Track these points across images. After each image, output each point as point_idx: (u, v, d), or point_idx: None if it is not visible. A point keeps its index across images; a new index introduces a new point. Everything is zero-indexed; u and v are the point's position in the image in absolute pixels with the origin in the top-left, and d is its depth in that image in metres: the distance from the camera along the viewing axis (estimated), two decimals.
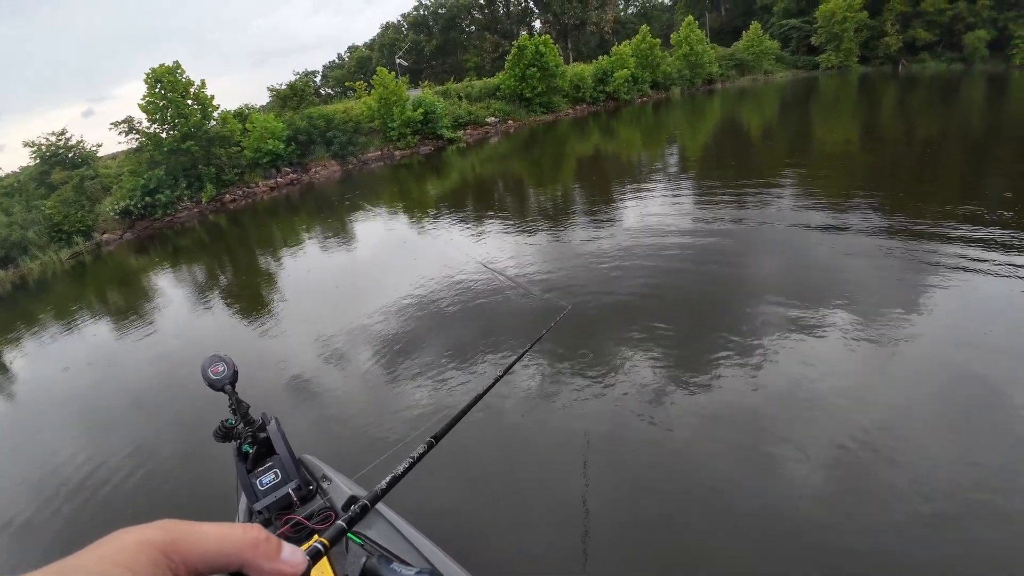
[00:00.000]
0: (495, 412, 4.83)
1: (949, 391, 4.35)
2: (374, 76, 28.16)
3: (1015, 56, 38.58)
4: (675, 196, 11.74)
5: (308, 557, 0.47)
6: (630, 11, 63.09)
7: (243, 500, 2.21)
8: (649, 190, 12.63)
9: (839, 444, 3.86)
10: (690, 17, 41.64)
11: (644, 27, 38.40)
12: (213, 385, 2.32)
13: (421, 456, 1.51)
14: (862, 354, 4.90)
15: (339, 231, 14.48)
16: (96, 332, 9.82)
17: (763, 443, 3.98)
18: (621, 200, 12.30)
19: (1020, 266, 6.05)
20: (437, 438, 1.57)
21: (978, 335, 4.96)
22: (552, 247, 9.42)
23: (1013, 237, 6.90)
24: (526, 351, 2.68)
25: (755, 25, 44.29)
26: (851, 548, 3.10)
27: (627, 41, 37.98)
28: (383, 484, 1.44)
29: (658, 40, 38.20)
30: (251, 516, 2.16)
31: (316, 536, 0.88)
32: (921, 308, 5.53)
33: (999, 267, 6.12)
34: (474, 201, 15.32)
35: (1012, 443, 3.69)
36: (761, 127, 22.53)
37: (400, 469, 1.41)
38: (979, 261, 6.35)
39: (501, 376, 2.13)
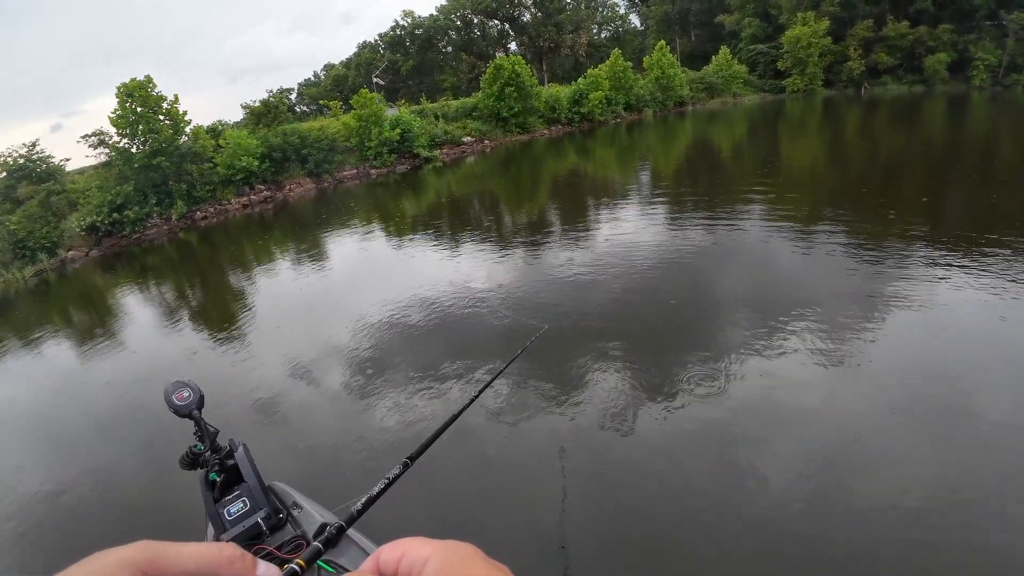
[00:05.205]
0: (471, 432, 4.80)
1: (912, 402, 4.47)
2: (354, 96, 28.16)
3: (975, 77, 40.36)
4: (648, 214, 11.93)
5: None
6: (603, 35, 64.44)
7: (211, 531, 2.15)
8: (623, 209, 12.82)
9: (811, 455, 3.93)
10: (662, 42, 42.71)
11: (616, 51, 39.27)
12: (179, 412, 2.25)
13: (397, 477, 1.49)
14: (830, 368, 5.01)
15: (312, 250, 14.32)
16: (58, 355, 9.49)
17: (738, 457, 4.04)
18: (596, 219, 12.45)
19: (974, 278, 6.29)
20: (413, 458, 1.56)
21: (938, 348, 5.13)
22: (527, 266, 9.47)
23: (970, 252, 7.18)
24: (501, 371, 2.68)
25: (724, 50, 45.64)
26: (826, 557, 3.14)
27: (601, 64, 38.79)
28: (358, 505, 1.41)
29: (630, 63, 39.07)
30: None
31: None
32: (885, 323, 5.70)
33: (958, 281, 6.35)
34: (450, 220, 15.34)
35: (974, 450, 3.81)
36: (731, 147, 23.11)
37: (376, 490, 1.39)
38: (939, 275, 6.59)
39: (476, 396, 2.12)
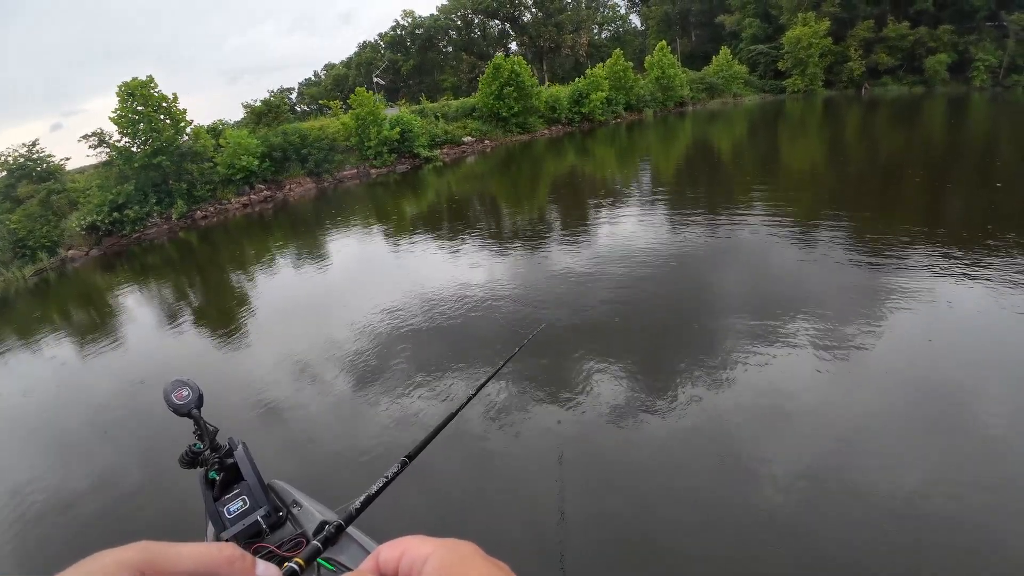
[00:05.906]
0: (470, 430, 4.80)
1: (912, 402, 4.47)
2: (351, 96, 28.16)
3: (975, 78, 40.36)
4: (648, 215, 11.93)
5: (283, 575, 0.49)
6: (604, 35, 64.44)
7: (211, 529, 2.15)
8: (622, 209, 12.81)
9: (810, 456, 3.93)
10: (663, 42, 42.70)
11: (617, 51, 39.25)
12: (178, 411, 2.25)
13: (395, 475, 1.49)
14: (827, 368, 5.01)
15: (312, 250, 14.32)
16: (58, 354, 9.48)
17: (737, 456, 4.04)
18: (595, 219, 12.45)
19: (975, 278, 6.29)
20: (411, 457, 1.56)
21: (938, 348, 5.13)
22: (526, 264, 9.47)
23: (971, 252, 7.18)
24: (499, 369, 2.68)
25: (724, 50, 45.64)
26: (825, 557, 3.14)
27: (601, 64, 38.77)
28: (357, 504, 1.41)
29: (630, 63, 39.05)
30: None
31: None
32: (885, 324, 5.69)
33: (958, 280, 6.35)
34: (450, 220, 15.33)
35: (974, 451, 3.81)
36: (731, 148, 23.10)
37: (374, 489, 1.40)
38: (939, 275, 6.59)
39: (474, 395, 2.12)
